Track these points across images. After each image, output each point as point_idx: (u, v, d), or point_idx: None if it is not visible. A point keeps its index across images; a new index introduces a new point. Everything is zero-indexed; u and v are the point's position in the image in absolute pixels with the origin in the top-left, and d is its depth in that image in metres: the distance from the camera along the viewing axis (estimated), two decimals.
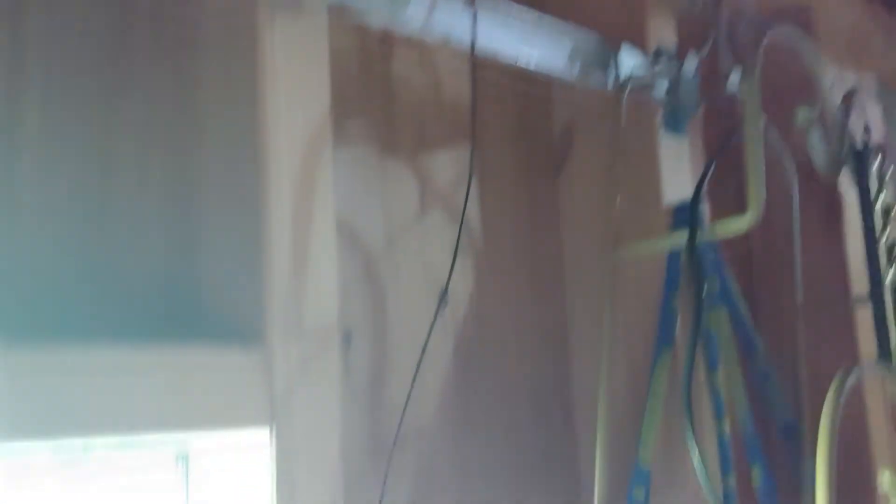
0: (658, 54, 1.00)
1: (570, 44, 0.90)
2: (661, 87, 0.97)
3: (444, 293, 0.74)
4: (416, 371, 0.73)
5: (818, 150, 0.75)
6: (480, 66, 1.02)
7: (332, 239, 0.72)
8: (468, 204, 0.98)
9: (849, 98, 0.75)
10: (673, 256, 0.97)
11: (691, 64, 0.86)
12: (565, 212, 1.09)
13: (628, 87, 0.83)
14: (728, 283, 0.98)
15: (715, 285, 0.94)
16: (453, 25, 0.79)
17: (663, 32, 1.02)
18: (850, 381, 0.63)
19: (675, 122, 1.01)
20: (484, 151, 1.02)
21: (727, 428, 0.94)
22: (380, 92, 0.93)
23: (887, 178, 0.74)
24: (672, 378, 0.94)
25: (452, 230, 0.95)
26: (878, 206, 0.73)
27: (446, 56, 0.99)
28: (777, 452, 0.97)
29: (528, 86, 1.07)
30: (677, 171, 1.02)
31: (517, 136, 1.07)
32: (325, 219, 0.71)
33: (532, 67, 0.90)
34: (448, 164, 0.97)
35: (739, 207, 1.29)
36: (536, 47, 0.88)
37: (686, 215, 0.97)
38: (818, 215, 0.92)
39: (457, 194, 0.98)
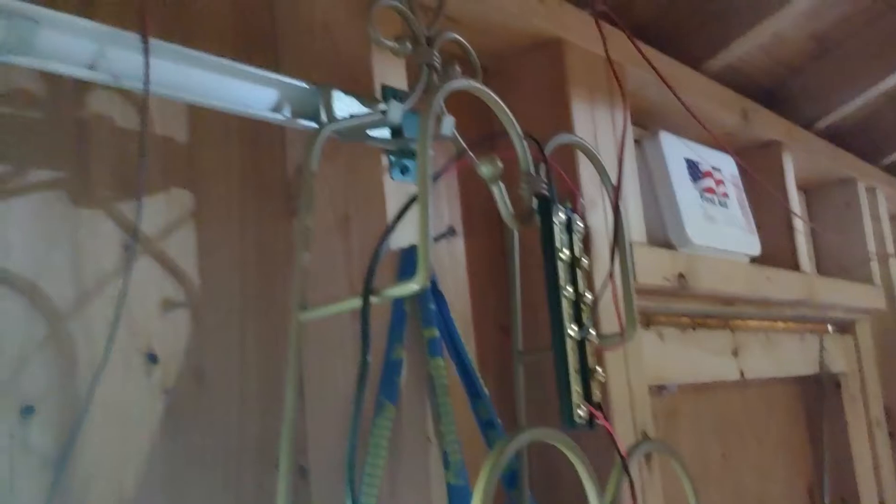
0: (383, 97, 0.97)
1: (275, 91, 0.86)
2: (382, 131, 0.94)
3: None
4: (73, 439, 0.67)
5: (502, 202, 0.73)
6: (199, 108, 0.98)
7: None
8: (184, 254, 0.93)
9: (537, 150, 0.74)
10: (397, 305, 0.94)
11: (395, 111, 0.83)
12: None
13: (321, 135, 0.79)
14: (454, 333, 0.96)
15: (435, 335, 0.92)
16: (130, 70, 0.74)
17: (390, 75, 1.00)
18: (510, 448, 0.61)
19: (402, 166, 0.99)
20: (204, 194, 0.97)
21: (453, 479, 0.92)
22: (71, 136, 0.86)
23: (575, 230, 0.73)
24: (395, 435, 0.92)
25: (162, 280, 0.90)
26: (564, 260, 0.71)
27: (155, 98, 0.94)
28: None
29: (256, 123, 1.03)
30: (408, 215, 0.99)
31: (247, 176, 1.02)
32: None
33: (237, 113, 0.85)
34: (153, 207, 0.92)
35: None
36: (235, 94, 0.83)
37: (411, 259, 0.96)
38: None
39: (169, 240, 0.93)
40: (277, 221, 1.03)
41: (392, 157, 0.99)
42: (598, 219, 1.31)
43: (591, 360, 0.76)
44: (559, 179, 0.80)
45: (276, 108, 0.86)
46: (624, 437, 1.25)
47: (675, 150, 1.61)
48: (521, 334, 0.98)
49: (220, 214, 0.98)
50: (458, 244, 1.21)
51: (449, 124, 0.89)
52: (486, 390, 0.96)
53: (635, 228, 1.44)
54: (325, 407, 0.99)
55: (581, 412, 0.71)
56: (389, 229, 0.76)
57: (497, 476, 0.61)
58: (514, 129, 0.75)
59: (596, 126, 1.38)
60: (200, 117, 0.98)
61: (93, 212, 0.87)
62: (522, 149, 0.76)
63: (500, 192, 0.75)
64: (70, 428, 0.80)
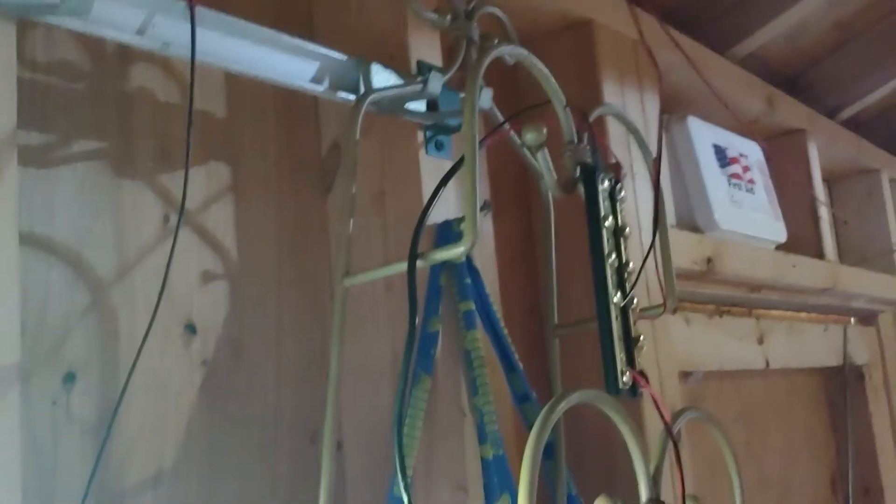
0: (418, 72, 0.97)
1: (316, 63, 0.86)
2: (419, 105, 0.94)
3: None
4: (117, 408, 0.68)
5: (546, 170, 0.73)
6: (236, 81, 0.98)
7: (13, 266, 0.65)
8: (223, 227, 0.93)
9: (582, 120, 0.74)
10: (433, 280, 0.95)
11: (436, 82, 0.84)
12: (335, 231, 1.05)
13: (364, 103, 0.79)
14: (489, 307, 0.96)
15: (471, 308, 0.93)
16: (177, 38, 0.74)
17: (425, 50, 1.00)
18: (562, 407, 0.61)
19: (437, 142, 0.99)
20: (242, 169, 0.98)
21: (490, 453, 0.92)
22: (115, 108, 0.87)
23: (619, 199, 0.73)
24: (431, 406, 0.92)
25: (201, 253, 0.90)
26: (608, 228, 0.71)
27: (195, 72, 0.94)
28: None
29: (291, 100, 1.04)
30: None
31: (282, 153, 1.02)
32: (3, 244, 0.65)
33: (277, 84, 0.86)
34: (194, 181, 0.92)
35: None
36: (276, 65, 0.83)
37: (447, 234, 0.96)
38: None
39: (208, 214, 0.93)
40: (312, 197, 1.04)
41: (427, 133, 0.99)
42: (629, 202, 1.31)
43: (634, 328, 0.76)
44: (601, 150, 0.81)
45: (317, 80, 0.87)
46: (653, 421, 1.25)
47: (703, 134, 1.61)
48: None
49: (257, 189, 0.99)
50: (487, 223, 1.21)
51: (487, 96, 0.89)
52: (520, 364, 0.96)
53: (665, 213, 1.44)
54: (357, 380, 1.00)
55: (625, 379, 0.71)
56: (435, 195, 0.76)
57: (546, 436, 0.61)
58: (558, 97, 0.76)
59: (626, 107, 1.38)
60: (238, 93, 0.99)
61: (135, 183, 0.87)
62: (566, 117, 0.76)
63: (544, 160, 0.75)
64: (111, 396, 0.81)
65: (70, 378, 0.78)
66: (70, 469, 0.76)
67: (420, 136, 0.99)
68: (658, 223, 0.80)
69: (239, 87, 0.99)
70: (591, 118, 0.79)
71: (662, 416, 0.72)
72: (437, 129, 0.99)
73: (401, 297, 0.97)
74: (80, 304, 0.81)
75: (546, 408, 0.62)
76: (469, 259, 0.96)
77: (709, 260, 1.48)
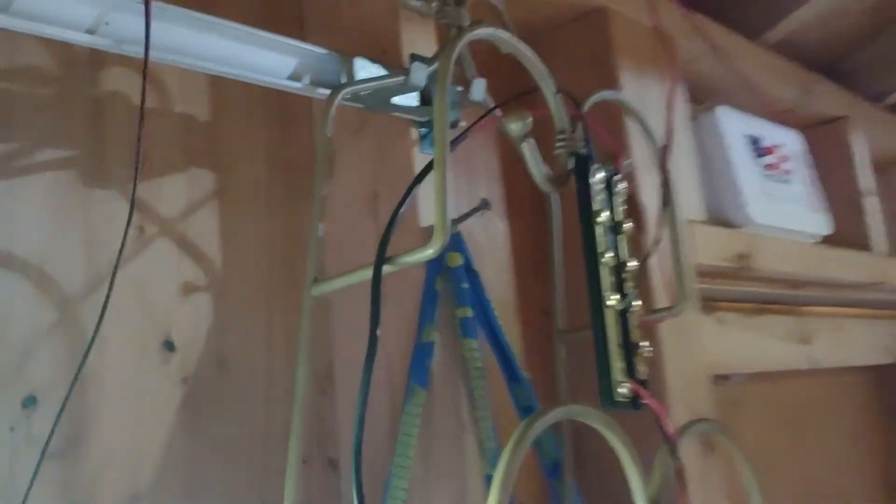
0: (412, 65, 0.91)
1: (294, 58, 0.81)
2: (408, 100, 0.88)
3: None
4: (56, 422, 0.63)
5: (533, 162, 0.67)
6: (221, 82, 0.93)
7: None
8: (207, 236, 0.89)
9: (575, 108, 0.67)
10: (428, 285, 0.89)
11: (419, 73, 0.78)
12: (331, 236, 1.00)
13: (338, 96, 0.74)
14: (489, 313, 0.90)
15: (468, 314, 0.87)
16: (132, 35, 0.69)
17: (421, 45, 0.95)
18: (537, 427, 0.55)
19: (433, 140, 0.93)
20: (228, 173, 0.93)
21: (490, 468, 0.85)
22: (85, 114, 0.82)
23: (616, 192, 0.66)
24: (427, 421, 0.86)
25: (181, 264, 0.86)
26: (603, 223, 0.65)
27: (175, 75, 0.90)
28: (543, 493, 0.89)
29: (283, 100, 0.99)
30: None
31: (273, 155, 0.97)
32: None
33: (251, 81, 0.80)
34: (174, 188, 0.87)
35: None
36: (249, 62, 0.78)
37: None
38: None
39: (189, 222, 0.88)
40: (306, 201, 0.98)
41: (422, 130, 0.93)
42: (651, 192, 1.24)
43: (634, 333, 0.69)
44: (600, 140, 0.74)
45: (295, 77, 0.81)
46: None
47: (734, 125, 1.52)
48: (566, 314, 0.91)
49: (245, 194, 0.94)
50: (499, 225, 1.14)
51: (479, 88, 0.83)
52: (524, 374, 0.90)
53: (693, 207, 1.35)
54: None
55: (623, 390, 0.65)
56: (407, 194, 0.70)
57: (518, 460, 0.54)
58: (547, 83, 0.69)
59: (645, 100, 1.30)
60: (223, 95, 0.94)
61: (108, 192, 0.83)
62: (556, 104, 0.69)
63: (530, 152, 0.69)
64: (77, 420, 0.76)
65: (31, 401, 0.73)
66: (32, 501, 0.71)
67: (415, 133, 0.93)
68: (667, 216, 0.73)
69: (224, 88, 0.94)
70: (587, 105, 0.72)
71: (663, 431, 0.65)
72: (432, 125, 0.93)
73: (395, 303, 0.91)
74: (45, 321, 0.76)
75: (520, 428, 0.55)
76: (467, 262, 0.90)
77: (741, 255, 1.39)
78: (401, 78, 0.79)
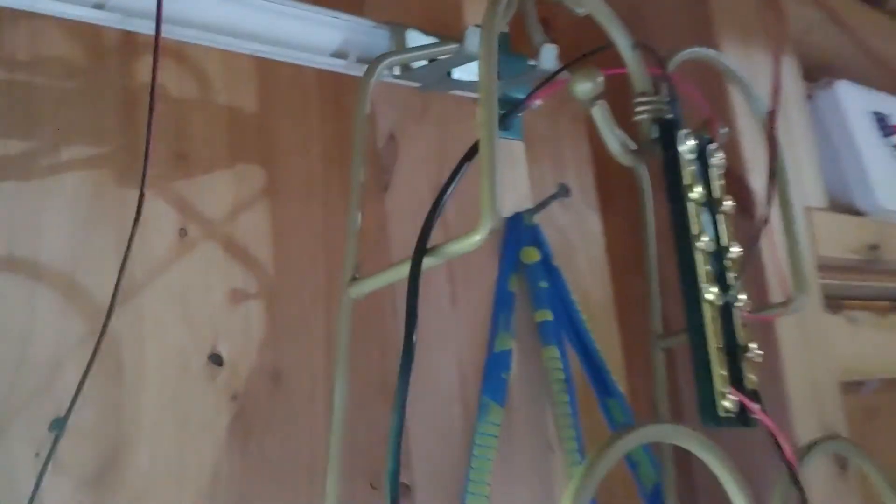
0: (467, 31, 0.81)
1: (339, 33, 0.72)
2: (469, 74, 0.78)
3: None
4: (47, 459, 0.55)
5: (606, 129, 0.56)
6: (272, 73, 0.86)
7: None
8: (257, 238, 0.80)
9: (660, 67, 0.56)
10: (501, 285, 0.78)
11: (474, 38, 0.67)
12: (395, 233, 0.90)
13: (378, 68, 0.64)
14: (576, 317, 0.79)
15: (548, 318, 0.75)
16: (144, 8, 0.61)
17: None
18: (614, 452, 0.43)
19: (502, 119, 0.82)
20: (279, 169, 0.84)
21: None
22: (117, 108, 0.75)
23: (712, 163, 0.54)
24: (506, 442, 0.75)
25: (228, 270, 0.78)
26: (697, 199, 0.53)
27: (218, 62, 0.82)
28: None
29: (338, 86, 0.90)
30: (509, 179, 0.83)
31: (329, 148, 0.89)
32: None
33: (289, 61, 0.72)
34: (219, 186, 0.80)
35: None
36: (286, 38, 0.69)
37: (518, 228, 0.79)
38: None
39: (236, 223, 0.80)
40: (368, 198, 0.89)
41: None
42: (757, 168, 1.10)
43: (741, 333, 0.56)
44: (692, 104, 0.62)
45: (340, 54, 0.72)
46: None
47: (857, 101, 1.36)
48: (663, 316, 0.79)
49: (298, 191, 0.86)
50: (594, 220, 1.03)
51: (549, 55, 0.72)
52: (619, 387, 0.78)
53: (812, 194, 1.20)
54: (429, 411, 0.84)
55: (728, 403, 0.52)
56: (452, 178, 0.60)
57: (589, 492, 0.43)
58: (622, 36, 0.57)
59: (752, 75, 1.16)
60: (273, 84, 0.86)
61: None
62: (634, 61, 0.58)
63: (602, 116, 0.57)
64: (110, 444, 0.68)
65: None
66: None
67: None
68: (776, 191, 0.60)
69: (274, 75, 0.86)
70: (674, 63, 0.60)
71: (783, 454, 0.52)
72: (501, 104, 0.82)
73: (467, 309, 0.81)
74: (73, 336, 0.69)
75: (593, 452, 0.44)
76: (546, 257, 0.79)
77: (872, 247, 1.23)
78: (453, 45, 0.68)
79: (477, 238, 0.49)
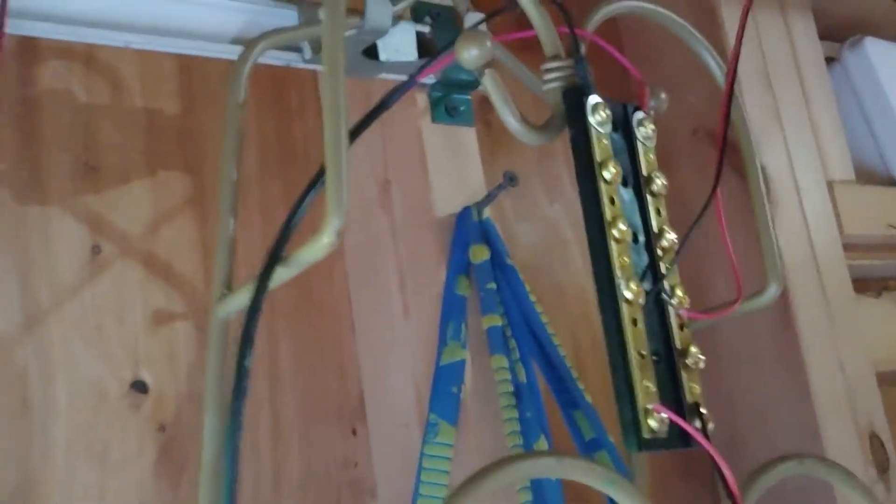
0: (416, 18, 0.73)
1: (237, 17, 0.64)
2: (403, 53, 0.69)
3: None
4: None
5: (500, 101, 0.47)
6: (195, 70, 0.79)
7: None
8: (183, 252, 0.74)
9: (569, 24, 0.47)
10: (448, 289, 0.70)
11: (379, 10, 0.58)
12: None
13: (254, 50, 0.56)
14: (534, 320, 0.69)
15: (496, 323, 0.66)
16: None
17: None
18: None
19: (448, 106, 0.74)
20: (207, 175, 0.77)
21: None
22: (17, 118, 0.69)
23: (640, 136, 0.45)
24: (458, 466, 0.67)
25: (148, 289, 0.71)
26: (613, 179, 0.44)
27: (135, 63, 0.75)
28: None
29: (278, 83, 0.83)
30: (458, 171, 0.74)
31: (268, 151, 0.82)
32: None
33: (181, 52, 0.64)
34: (136, 198, 0.73)
35: None
36: (175, 25, 0.62)
37: (468, 225, 0.70)
38: None
39: (157, 237, 0.73)
40: (314, 200, 0.81)
41: (433, 94, 0.74)
42: (778, 156, 0.99)
43: (678, 336, 0.47)
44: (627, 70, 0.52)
45: (241, 40, 0.64)
46: (840, 443, 0.91)
47: (890, 58, 1.23)
48: None
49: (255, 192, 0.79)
50: None
51: (472, 23, 0.63)
52: (587, 397, 0.68)
53: (837, 165, 1.08)
54: (387, 437, 0.76)
55: (654, 423, 0.43)
56: (315, 182, 0.51)
57: None
58: None
59: (761, 40, 1.05)
60: (198, 83, 0.79)
61: (49, 210, 0.69)
62: (541, 18, 0.48)
63: (493, 87, 0.48)
64: (19, 488, 0.62)
65: None
66: None
67: (422, 101, 0.74)
68: (724, 149, 0.50)
69: (200, 73, 0.79)
70: (593, 22, 0.51)
71: (726, 484, 0.42)
72: (446, 87, 0.74)
73: (420, 319, 0.73)
74: None
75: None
76: (499, 254, 0.70)
77: None
78: (355, 19, 0.60)
79: (325, 241, 0.41)
